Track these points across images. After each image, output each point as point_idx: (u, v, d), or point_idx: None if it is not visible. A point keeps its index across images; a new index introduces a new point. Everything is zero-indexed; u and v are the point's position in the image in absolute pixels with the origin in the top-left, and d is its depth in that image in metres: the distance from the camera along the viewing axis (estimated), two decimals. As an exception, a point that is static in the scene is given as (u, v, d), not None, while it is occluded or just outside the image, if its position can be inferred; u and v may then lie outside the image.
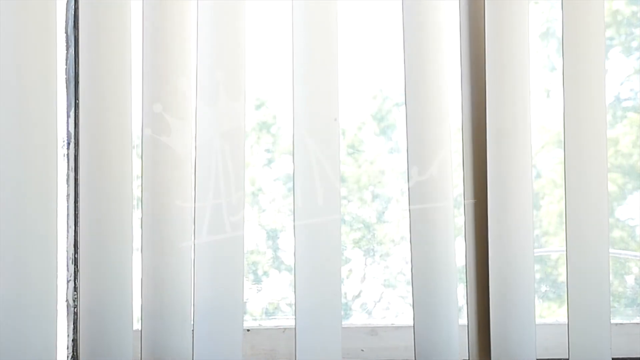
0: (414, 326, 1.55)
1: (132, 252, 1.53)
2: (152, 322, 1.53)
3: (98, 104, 1.53)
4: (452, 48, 1.60)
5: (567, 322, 1.56)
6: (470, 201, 1.59)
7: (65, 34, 1.65)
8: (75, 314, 1.65)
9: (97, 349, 1.50)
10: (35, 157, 1.49)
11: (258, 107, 1.77)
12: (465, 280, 1.59)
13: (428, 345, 1.54)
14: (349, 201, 1.76)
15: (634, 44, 1.78)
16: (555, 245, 1.81)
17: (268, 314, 1.73)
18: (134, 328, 1.63)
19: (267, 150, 1.76)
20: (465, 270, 1.59)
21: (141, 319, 1.53)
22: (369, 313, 1.77)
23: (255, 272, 1.75)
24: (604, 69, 1.56)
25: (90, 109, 1.53)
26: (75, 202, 1.65)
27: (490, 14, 1.57)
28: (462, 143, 1.59)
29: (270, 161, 1.76)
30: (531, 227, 1.56)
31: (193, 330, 1.52)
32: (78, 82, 1.62)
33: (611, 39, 1.78)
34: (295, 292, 1.53)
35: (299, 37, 1.55)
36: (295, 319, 1.53)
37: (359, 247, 1.76)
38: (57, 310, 1.49)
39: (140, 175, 1.54)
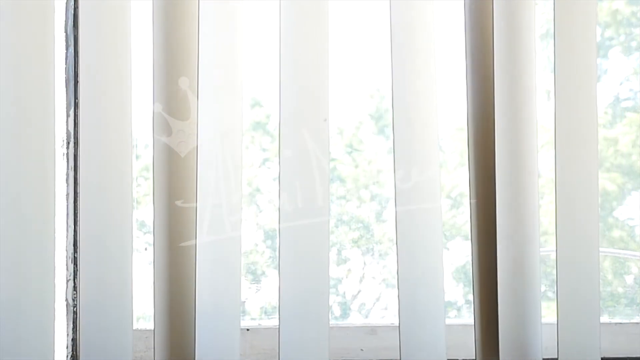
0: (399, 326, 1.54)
1: (132, 252, 1.53)
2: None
3: (98, 103, 1.52)
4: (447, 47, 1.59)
5: (556, 321, 1.56)
6: (474, 201, 1.58)
7: (64, 33, 1.66)
8: (75, 313, 1.66)
9: (96, 349, 1.51)
10: (33, 156, 1.49)
11: (252, 106, 1.77)
12: (471, 280, 1.58)
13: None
14: (347, 200, 1.76)
15: (634, 44, 1.77)
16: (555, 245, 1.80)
17: (267, 313, 1.74)
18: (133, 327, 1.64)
19: (264, 150, 1.77)
20: (471, 270, 1.58)
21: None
22: (368, 312, 1.77)
23: (254, 272, 1.75)
24: (595, 68, 1.55)
25: (90, 109, 1.53)
26: (74, 201, 1.66)
27: (498, 13, 1.57)
28: (467, 143, 1.58)
29: (265, 160, 1.77)
30: (537, 226, 1.56)
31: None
32: (77, 81, 1.63)
33: (610, 39, 1.78)
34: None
35: (288, 35, 1.55)
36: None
37: (358, 247, 1.76)
38: (55, 309, 1.49)
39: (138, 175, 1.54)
